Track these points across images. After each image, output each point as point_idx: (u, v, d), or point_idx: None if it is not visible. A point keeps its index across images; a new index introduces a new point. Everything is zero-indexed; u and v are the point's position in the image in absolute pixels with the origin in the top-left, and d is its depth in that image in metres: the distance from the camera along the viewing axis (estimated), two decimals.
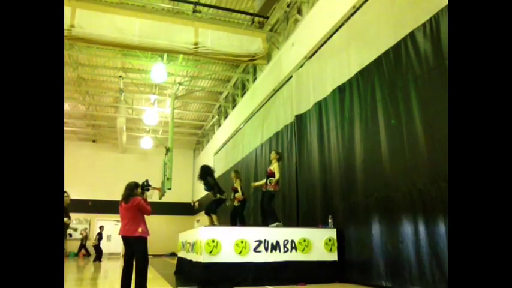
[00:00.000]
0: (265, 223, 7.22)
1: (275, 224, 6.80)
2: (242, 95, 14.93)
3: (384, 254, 5.56)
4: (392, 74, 5.71)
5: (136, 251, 5.18)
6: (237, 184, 8.42)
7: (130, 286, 5.12)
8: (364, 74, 6.39)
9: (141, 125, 19.73)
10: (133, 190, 5.39)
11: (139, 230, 5.15)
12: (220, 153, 17.11)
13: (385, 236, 5.57)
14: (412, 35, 5.30)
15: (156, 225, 15.47)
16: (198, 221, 21.51)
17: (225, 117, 17.36)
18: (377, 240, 5.74)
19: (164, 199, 17.26)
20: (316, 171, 7.71)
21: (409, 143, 5.24)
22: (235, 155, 14.24)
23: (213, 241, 6.01)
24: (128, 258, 5.20)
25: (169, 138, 14.74)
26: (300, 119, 8.71)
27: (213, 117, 19.44)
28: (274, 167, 7.21)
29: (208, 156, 19.67)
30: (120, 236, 5.28)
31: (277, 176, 7.10)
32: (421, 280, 4.76)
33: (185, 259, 7.56)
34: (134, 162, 22.57)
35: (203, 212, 19.43)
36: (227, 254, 6.02)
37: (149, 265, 5.38)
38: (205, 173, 8.03)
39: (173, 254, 19.31)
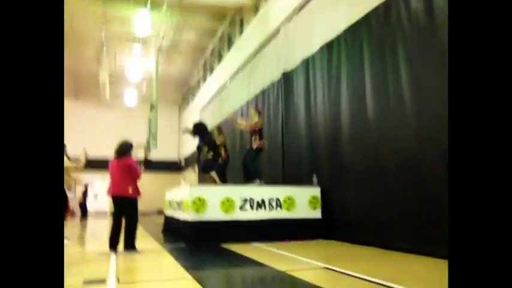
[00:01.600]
0: (246, 180, 7.25)
1: (257, 182, 6.83)
2: (228, 49, 14.53)
3: (368, 212, 5.69)
4: (381, 32, 5.56)
5: (126, 210, 5.19)
6: (219, 141, 8.24)
7: (118, 244, 5.17)
8: (353, 31, 6.22)
9: (125, 80, 19.24)
10: (129, 149, 5.33)
11: (130, 190, 5.14)
12: (207, 109, 16.91)
13: (370, 195, 5.67)
14: None
15: (142, 183, 15.46)
16: (184, 178, 21.67)
17: (211, 73, 17.00)
18: (362, 199, 5.85)
19: (150, 156, 17.24)
20: (303, 131, 7.69)
21: (395, 103, 5.21)
22: (222, 111, 14.09)
23: (200, 199, 6.05)
24: (117, 217, 5.22)
25: (153, 94, 14.45)
26: (287, 77, 8.56)
27: (198, 72, 19.03)
28: (255, 120, 7.11)
29: (194, 113, 19.46)
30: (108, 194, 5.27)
31: (257, 122, 7.05)
32: (406, 237, 4.89)
33: (172, 217, 7.66)
34: (118, 119, 22.25)
35: (189, 169, 19.47)
36: (214, 212, 6.09)
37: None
38: (202, 130, 7.94)
39: (160, 212, 19.57)
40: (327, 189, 6.71)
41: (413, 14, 4.96)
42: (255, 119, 7.18)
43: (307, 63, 7.70)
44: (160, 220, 9.81)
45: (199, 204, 6.04)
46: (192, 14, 13.73)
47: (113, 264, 4.25)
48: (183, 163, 23.08)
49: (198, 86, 19.89)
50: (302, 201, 6.62)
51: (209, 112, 16.39)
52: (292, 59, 8.36)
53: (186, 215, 6.21)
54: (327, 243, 6.08)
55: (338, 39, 6.61)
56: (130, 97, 19.95)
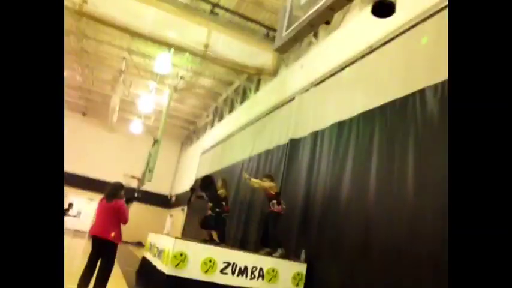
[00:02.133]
0: (264, 245, 6.97)
1: (278, 253, 6.59)
2: (241, 102, 14.81)
3: None
4: (395, 125, 5.63)
5: (104, 254, 5.00)
6: (223, 195, 8.11)
7: (88, 286, 4.93)
8: (367, 117, 6.31)
9: (134, 109, 19.45)
10: (119, 191, 5.24)
11: (112, 234, 4.98)
12: (207, 154, 16.93)
13: (354, 275, 5.48)
14: (422, 92, 5.23)
15: (130, 211, 15.17)
16: (171, 215, 21.25)
17: (220, 120, 17.21)
18: (347, 278, 5.65)
19: (142, 186, 17.06)
20: (299, 199, 7.58)
21: (398, 195, 5.16)
22: (222, 160, 14.08)
23: (181, 254, 5.83)
24: (92, 258, 5.02)
25: (160, 130, 14.53)
26: (294, 144, 8.61)
27: (207, 116, 19.28)
28: (270, 185, 7.04)
29: (194, 154, 19.49)
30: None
31: (271, 185, 6.98)
32: None
33: (150, 263, 7.37)
34: (120, 144, 22.28)
35: (179, 207, 19.09)
36: (193, 271, 5.84)
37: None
38: (211, 184, 7.85)
39: (139, 244, 19.02)
40: (313, 266, 6.49)
41: (428, 114, 5.05)
42: (269, 183, 7.11)
43: (315, 135, 7.76)
44: (138, 253, 9.48)
45: (180, 259, 5.81)
46: (212, 64, 14.15)
47: None
48: (173, 199, 22.74)
49: (204, 129, 20.07)
50: (286, 275, 6.37)
51: (209, 157, 16.39)
52: (302, 128, 8.45)
53: (164, 267, 5.96)
54: None
55: (350, 120, 6.70)
56: (136, 125, 20.06)
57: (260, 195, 8.28)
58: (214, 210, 7.61)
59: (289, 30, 4.26)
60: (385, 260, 5.06)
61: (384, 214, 5.31)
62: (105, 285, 4.98)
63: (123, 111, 20.00)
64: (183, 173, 22.05)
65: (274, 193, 7.01)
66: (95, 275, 4.98)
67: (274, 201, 6.92)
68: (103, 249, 4.98)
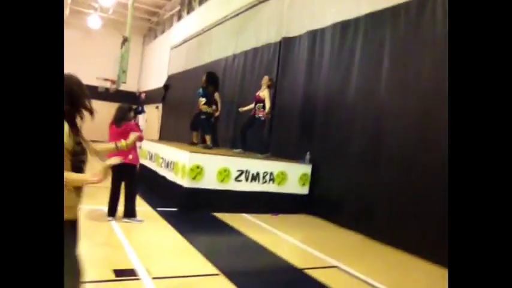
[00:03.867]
0: (243, 147, 7.21)
1: (265, 155, 6.87)
2: None
3: (353, 197, 5.97)
4: (408, 28, 5.49)
5: (125, 177, 4.98)
6: (217, 97, 7.93)
7: (116, 211, 5.03)
8: (376, 19, 6.07)
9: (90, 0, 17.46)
10: (127, 113, 4.99)
11: (130, 156, 4.89)
12: (179, 49, 16.02)
13: (359, 180, 5.91)
14: None
15: (99, 112, 14.63)
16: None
17: (189, 11, 15.92)
18: (349, 183, 6.11)
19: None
20: (298, 102, 7.62)
21: (408, 95, 5.30)
22: (200, 56, 13.43)
23: (198, 167, 5.95)
24: (116, 184, 5.01)
25: (127, 26, 13.37)
26: (288, 43, 8.28)
27: (173, 6, 17.72)
28: (265, 93, 6.99)
29: (162, 49, 18.40)
30: None
31: (268, 104, 6.93)
32: (390, 230, 5.25)
33: (156, 173, 7.46)
34: (78, 40, 20.40)
35: (151, 104, 18.69)
36: (210, 181, 6.05)
37: None
38: (215, 83, 7.52)
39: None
40: (317, 166, 6.87)
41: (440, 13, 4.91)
42: (264, 89, 7.02)
43: (314, 35, 7.46)
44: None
45: (197, 171, 5.94)
46: None
47: (124, 241, 4.17)
48: (142, 96, 22.11)
49: (170, 21, 18.64)
50: (293, 177, 6.75)
51: (182, 52, 15.56)
52: (297, 26, 8.04)
53: (181, 180, 6.10)
54: (310, 221, 6.41)
55: (356, 21, 6.42)
56: (94, 19, 18.24)
57: (250, 95, 8.18)
58: (207, 111, 7.47)
59: None
60: (391, 160, 5.41)
61: (391, 118, 5.50)
62: (134, 208, 5.09)
63: (76, 3, 17.92)
64: (151, 69, 21.05)
65: (263, 99, 6.99)
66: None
67: (260, 104, 6.95)
68: (123, 173, 4.95)
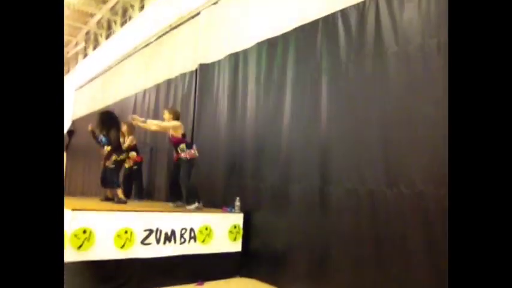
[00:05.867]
0: (173, 199, 5.69)
1: (195, 205, 5.32)
2: (122, 23, 12.18)
3: (300, 249, 4.69)
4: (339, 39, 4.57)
5: None
6: (129, 141, 6.79)
7: None
8: (307, 30, 5.11)
9: None
10: None
11: None
12: (84, 89, 14.13)
13: (305, 224, 4.67)
14: None
15: None
16: None
17: (95, 47, 14.24)
18: (294, 228, 4.82)
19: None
20: (222, 138, 6.31)
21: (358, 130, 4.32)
22: (106, 96, 11.71)
23: (85, 231, 4.20)
24: None
25: None
26: (205, 70, 7.05)
27: (76, 43, 15.90)
28: (174, 126, 5.54)
29: (66, 92, 16.23)
30: None
31: (176, 125, 5.54)
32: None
33: None
34: None
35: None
36: (104, 249, 4.31)
37: None
38: (113, 124, 5.89)
39: None
40: (250, 214, 5.49)
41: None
42: (173, 123, 5.58)
43: (235, 58, 6.34)
44: None
45: (84, 237, 4.19)
46: None
47: None
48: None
49: (74, 60, 16.69)
50: (221, 231, 5.26)
51: (87, 93, 13.69)
52: (216, 50, 6.89)
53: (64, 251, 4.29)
54: (245, 286, 4.92)
55: (285, 36, 5.42)
56: None
57: (163, 135, 6.77)
58: (116, 159, 5.85)
59: None
60: (338, 202, 4.30)
61: (337, 156, 4.44)
62: None
63: None
64: None
65: (181, 135, 5.58)
66: None
67: (183, 145, 5.53)
68: None
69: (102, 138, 5.98)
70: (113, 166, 5.82)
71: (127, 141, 6.79)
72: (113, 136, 5.77)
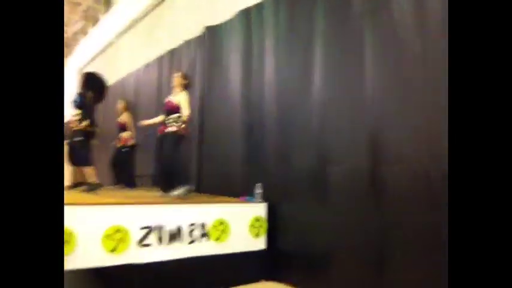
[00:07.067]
0: (162, 185, 4.72)
1: (184, 189, 4.31)
2: None
3: (341, 245, 3.66)
4: None
5: None
6: (125, 118, 6.13)
7: None
8: None
9: None
10: None
11: None
12: (85, 70, 13.17)
13: (350, 216, 3.61)
14: None
15: None
16: None
17: (94, 23, 13.26)
18: (334, 222, 3.77)
19: None
20: (237, 112, 5.23)
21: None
22: (108, 75, 10.70)
23: (65, 233, 3.22)
24: None
25: None
26: (213, 32, 5.94)
27: (76, 21, 14.91)
28: (180, 97, 4.54)
29: (69, 75, 15.37)
30: None
31: (185, 112, 4.47)
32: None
33: None
34: None
35: None
36: (89, 254, 3.33)
37: None
38: (94, 83, 4.93)
39: None
40: (276, 206, 4.45)
41: None
42: (179, 92, 4.59)
43: (247, 15, 5.21)
44: None
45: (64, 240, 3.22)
46: None
47: None
48: None
49: (74, 39, 15.72)
50: (239, 225, 4.23)
51: None
52: (223, 8, 5.78)
53: None
54: None
55: None
56: None
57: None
58: (87, 128, 4.77)
59: None
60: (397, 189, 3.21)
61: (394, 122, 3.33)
62: None
63: None
64: None
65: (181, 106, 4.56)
66: None
67: (176, 116, 4.47)
68: None
69: (76, 97, 4.89)
70: (81, 138, 4.70)
71: (122, 117, 5.92)
72: (89, 97, 4.73)
